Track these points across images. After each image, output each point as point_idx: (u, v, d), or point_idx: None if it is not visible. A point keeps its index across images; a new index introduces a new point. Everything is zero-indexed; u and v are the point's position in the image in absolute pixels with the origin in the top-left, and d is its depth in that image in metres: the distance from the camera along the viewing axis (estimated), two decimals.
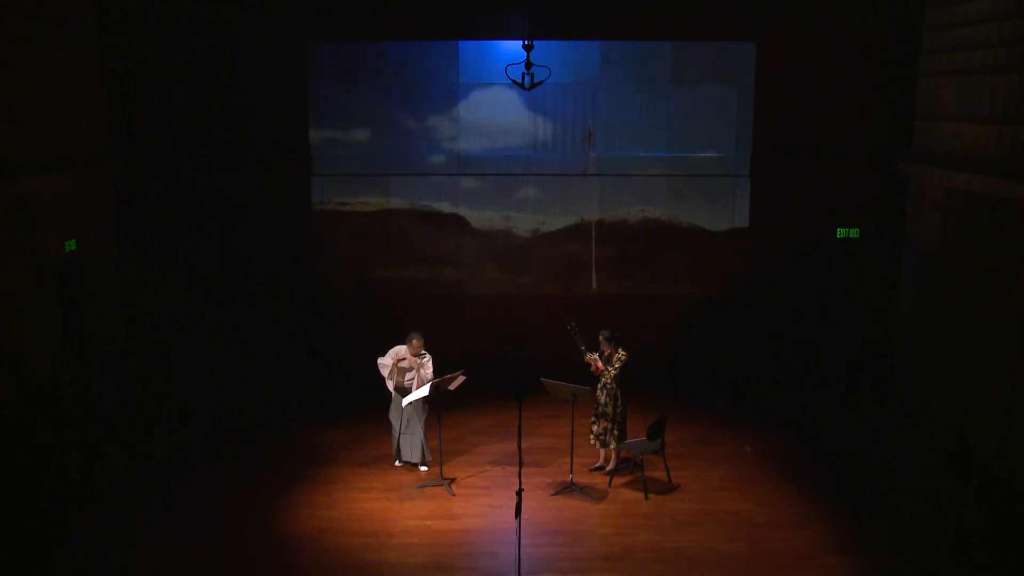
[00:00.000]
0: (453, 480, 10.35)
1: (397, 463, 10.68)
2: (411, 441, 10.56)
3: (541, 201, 14.00)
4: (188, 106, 13.38)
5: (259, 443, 11.49)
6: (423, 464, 10.61)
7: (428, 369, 10.42)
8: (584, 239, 14.09)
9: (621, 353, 10.22)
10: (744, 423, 12.15)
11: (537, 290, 14.18)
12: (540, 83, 10.57)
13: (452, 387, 10.38)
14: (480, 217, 14.06)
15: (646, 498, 9.92)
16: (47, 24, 11.36)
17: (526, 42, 10.27)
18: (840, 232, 13.85)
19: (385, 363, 10.39)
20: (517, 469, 8.47)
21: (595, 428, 10.40)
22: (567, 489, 10.08)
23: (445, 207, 14.01)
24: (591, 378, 10.37)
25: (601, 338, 10.29)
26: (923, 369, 12.58)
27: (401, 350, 10.38)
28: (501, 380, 12.56)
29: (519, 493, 8.09)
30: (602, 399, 10.27)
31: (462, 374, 10.38)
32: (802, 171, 13.72)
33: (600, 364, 10.23)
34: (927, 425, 11.94)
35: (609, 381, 10.20)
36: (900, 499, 10.04)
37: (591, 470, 10.57)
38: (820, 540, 9.10)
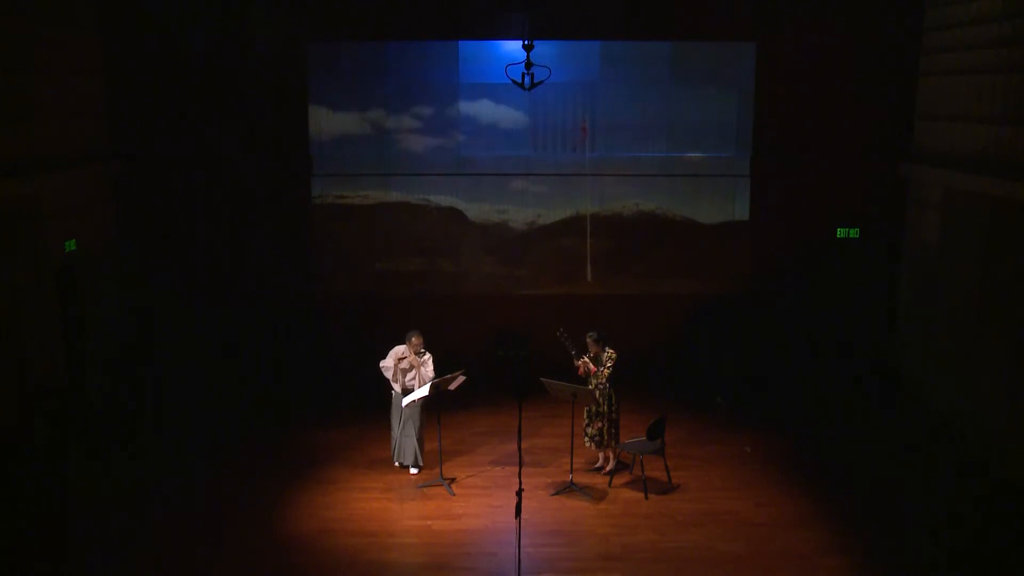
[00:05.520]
0: (453, 480, 10.35)
1: (396, 463, 10.68)
2: (404, 444, 10.51)
3: (537, 195, 14.01)
4: (188, 106, 13.38)
5: (259, 443, 11.49)
6: (414, 467, 10.55)
7: (429, 368, 10.38)
8: (579, 232, 14.10)
9: (610, 352, 10.19)
10: (744, 423, 12.15)
11: (535, 285, 14.17)
12: (540, 83, 10.57)
13: (452, 387, 10.37)
14: (477, 210, 14.06)
15: (646, 498, 9.92)
16: (47, 25, 11.37)
17: (526, 42, 10.28)
18: (840, 232, 13.85)
19: (387, 365, 10.36)
20: (517, 469, 8.46)
21: (589, 430, 10.37)
22: (567, 489, 10.07)
23: (443, 200, 14.03)
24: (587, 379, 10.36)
25: (588, 340, 10.25)
26: (923, 369, 12.58)
27: (400, 350, 10.35)
28: (501, 380, 12.55)
29: (519, 493, 8.07)
30: (598, 400, 10.26)
31: (462, 374, 10.37)
32: (802, 171, 13.71)
33: (592, 366, 10.21)
34: (927, 424, 11.94)
35: (603, 381, 10.19)
36: (900, 499, 10.02)
37: (591, 470, 10.57)
38: (820, 540, 9.09)
